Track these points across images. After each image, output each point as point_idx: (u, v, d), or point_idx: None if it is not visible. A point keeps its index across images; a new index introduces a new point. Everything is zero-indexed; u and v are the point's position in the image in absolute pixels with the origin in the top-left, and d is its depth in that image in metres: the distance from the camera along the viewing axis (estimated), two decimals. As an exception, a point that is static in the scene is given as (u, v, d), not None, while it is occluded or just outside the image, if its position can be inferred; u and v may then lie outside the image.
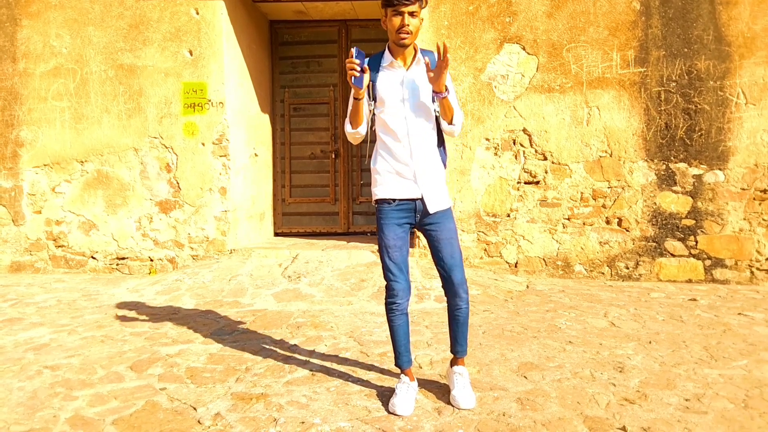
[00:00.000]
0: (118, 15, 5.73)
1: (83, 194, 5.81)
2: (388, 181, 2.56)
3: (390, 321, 2.64)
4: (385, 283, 2.63)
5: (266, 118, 6.62)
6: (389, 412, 2.54)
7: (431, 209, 2.53)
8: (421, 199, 2.54)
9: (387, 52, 2.54)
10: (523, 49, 5.38)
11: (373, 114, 2.60)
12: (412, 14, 2.39)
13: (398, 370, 2.99)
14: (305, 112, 6.77)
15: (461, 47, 5.42)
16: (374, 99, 2.55)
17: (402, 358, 2.67)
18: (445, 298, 2.67)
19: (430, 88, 2.49)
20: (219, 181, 5.66)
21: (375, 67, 2.54)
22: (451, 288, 2.60)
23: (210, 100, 5.63)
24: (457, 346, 2.70)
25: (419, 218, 2.58)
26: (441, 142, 2.65)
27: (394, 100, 2.52)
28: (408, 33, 2.41)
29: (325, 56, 6.72)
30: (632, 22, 5.27)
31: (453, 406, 2.55)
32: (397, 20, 2.40)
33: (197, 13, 5.63)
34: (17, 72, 5.85)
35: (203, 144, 5.65)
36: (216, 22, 5.60)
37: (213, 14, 5.60)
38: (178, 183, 5.70)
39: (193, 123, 5.65)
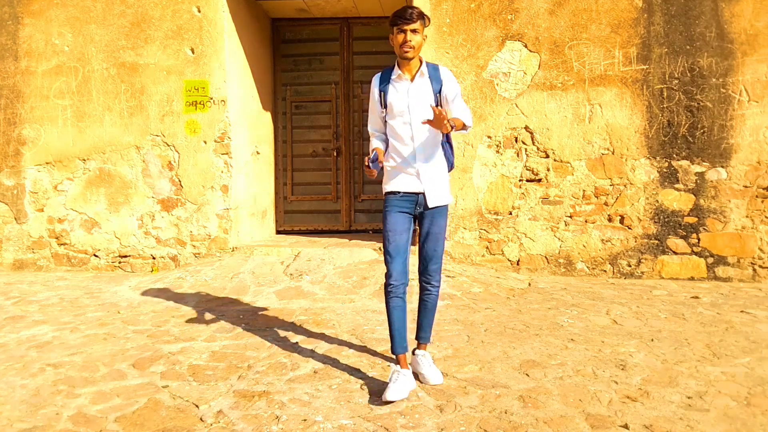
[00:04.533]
0: (119, 13, 5.73)
1: (85, 192, 5.82)
2: (396, 177, 2.86)
3: (386, 303, 2.82)
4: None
5: (268, 115, 6.62)
6: (383, 402, 2.59)
7: (431, 204, 2.81)
8: (423, 194, 2.81)
9: (396, 66, 2.83)
10: (525, 46, 5.37)
11: (386, 121, 2.89)
12: (414, 31, 2.70)
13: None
14: (307, 110, 6.77)
15: (463, 45, 5.41)
16: (385, 107, 2.85)
17: (394, 342, 2.80)
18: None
19: (432, 96, 2.80)
20: (221, 179, 5.66)
21: (386, 79, 2.86)
22: (426, 275, 2.88)
23: (212, 98, 5.63)
24: (421, 332, 2.95)
25: (420, 210, 2.84)
26: (448, 143, 2.92)
27: (400, 109, 2.81)
28: (411, 48, 2.71)
29: (327, 54, 6.71)
30: (634, 19, 5.25)
31: (423, 383, 2.79)
32: (400, 37, 2.71)
33: (199, 11, 5.63)
34: (19, 70, 5.86)
35: (205, 142, 5.66)
36: (217, 19, 5.60)
37: (215, 12, 5.60)
38: (180, 181, 5.70)
39: (194, 121, 5.65)
